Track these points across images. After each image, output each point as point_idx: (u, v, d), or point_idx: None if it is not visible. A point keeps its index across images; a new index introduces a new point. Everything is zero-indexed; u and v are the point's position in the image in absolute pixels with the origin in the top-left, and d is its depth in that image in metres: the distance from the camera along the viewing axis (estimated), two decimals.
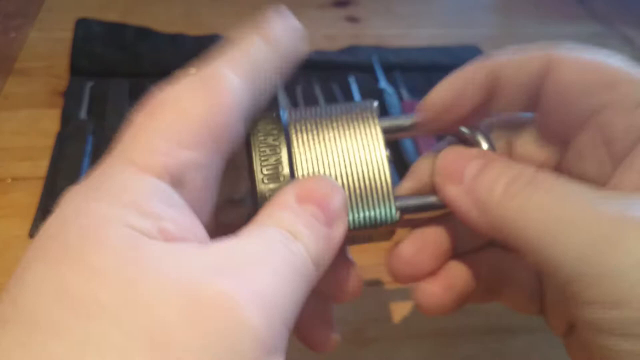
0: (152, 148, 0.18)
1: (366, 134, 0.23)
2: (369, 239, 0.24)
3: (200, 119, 0.19)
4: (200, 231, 0.18)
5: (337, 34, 0.62)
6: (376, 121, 0.23)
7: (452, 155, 0.23)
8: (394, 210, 0.22)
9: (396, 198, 0.22)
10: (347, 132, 0.23)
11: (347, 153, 0.22)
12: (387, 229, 0.23)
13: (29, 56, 0.55)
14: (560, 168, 0.24)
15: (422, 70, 0.56)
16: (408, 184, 0.25)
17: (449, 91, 0.23)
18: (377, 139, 0.23)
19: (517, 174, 0.20)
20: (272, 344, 0.16)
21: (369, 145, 0.22)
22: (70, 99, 0.49)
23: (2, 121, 0.46)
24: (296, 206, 0.20)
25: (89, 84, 0.51)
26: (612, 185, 0.21)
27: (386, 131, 0.23)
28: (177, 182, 0.18)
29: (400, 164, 0.45)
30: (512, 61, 0.24)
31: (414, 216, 0.24)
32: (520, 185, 0.20)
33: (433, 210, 0.24)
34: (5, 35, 0.57)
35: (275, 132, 0.22)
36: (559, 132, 0.24)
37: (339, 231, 0.20)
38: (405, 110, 0.50)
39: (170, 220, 0.17)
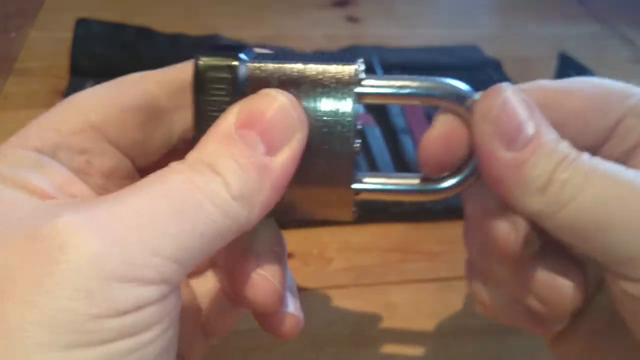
0: (35, 133, 0.20)
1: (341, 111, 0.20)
2: (324, 204, 0.21)
3: (82, 114, 0.21)
4: (88, 192, 0.19)
5: (337, 34, 0.62)
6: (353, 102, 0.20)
7: (508, 105, 0.20)
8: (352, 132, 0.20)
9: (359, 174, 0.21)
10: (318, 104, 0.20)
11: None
12: (344, 186, 0.21)
13: (29, 56, 0.55)
14: None
15: (422, 70, 0.56)
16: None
17: (437, 146, 0.21)
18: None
19: (566, 155, 0.19)
20: (127, 272, 0.15)
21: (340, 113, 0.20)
22: None
23: (2, 121, 0.46)
24: (229, 135, 0.18)
25: (89, 84, 0.50)
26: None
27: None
28: (52, 156, 0.19)
29: (399, 164, 0.45)
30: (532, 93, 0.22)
31: (371, 196, 0.21)
32: (570, 170, 0.19)
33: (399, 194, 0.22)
34: (5, 35, 0.57)
35: (226, 85, 0.20)
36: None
37: (282, 158, 0.18)
38: (405, 110, 0.50)
39: (46, 182, 0.18)
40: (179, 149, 0.22)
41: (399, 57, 0.57)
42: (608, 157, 0.20)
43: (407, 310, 0.35)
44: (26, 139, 0.19)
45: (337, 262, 0.37)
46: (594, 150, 0.22)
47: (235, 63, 0.20)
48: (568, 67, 0.57)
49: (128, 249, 0.15)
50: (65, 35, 0.56)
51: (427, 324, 0.29)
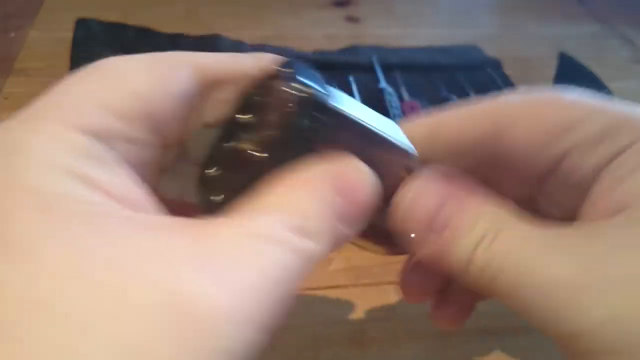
0: (77, 109, 0.16)
1: None
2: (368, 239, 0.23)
3: (138, 96, 0.17)
4: (149, 198, 0.17)
5: (337, 34, 0.62)
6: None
7: (417, 197, 0.21)
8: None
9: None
10: None
11: None
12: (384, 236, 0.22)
13: (29, 56, 0.55)
14: (534, 202, 0.24)
15: (422, 70, 0.56)
16: None
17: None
18: None
19: (482, 237, 0.20)
20: (242, 355, 0.14)
21: None
22: None
23: (2, 121, 0.46)
24: (322, 195, 0.18)
25: None
26: (580, 217, 0.21)
27: None
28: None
29: None
30: (453, 126, 0.22)
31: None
32: (486, 255, 0.20)
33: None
34: (5, 35, 0.57)
35: (310, 121, 0.19)
36: (521, 185, 0.23)
37: (354, 231, 0.19)
38: (405, 110, 0.50)
39: (113, 184, 0.16)
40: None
41: (399, 57, 0.57)
42: (555, 189, 0.22)
43: (407, 310, 0.35)
44: (75, 116, 0.16)
45: (337, 262, 0.37)
46: (540, 182, 0.23)
47: (332, 107, 0.19)
48: (568, 67, 0.57)
49: (249, 334, 0.14)
50: (65, 35, 0.56)
51: (427, 324, 0.29)
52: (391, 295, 0.35)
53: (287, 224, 0.16)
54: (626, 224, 0.19)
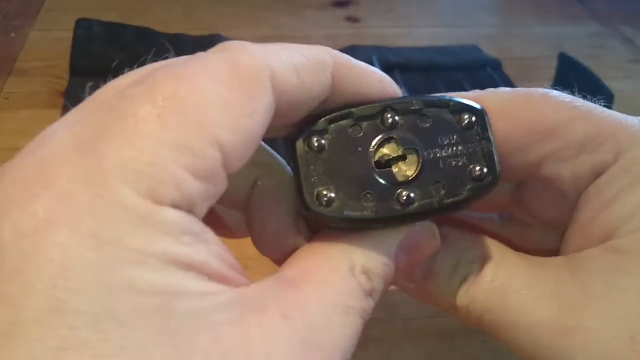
0: (163, 174, 0.13)
1: None
2: None
3: (219, 146, 0.14)
4: (235, 264, 0.16)
5: (337, 34, 0.62)
6: None
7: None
8: None
9: None
10: None
11: None
12: None
13: (29, 56, 0.55)
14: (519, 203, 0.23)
15: (422, 70, 0.55)
16: None
17: None
18: None
19: (464, 278, 0.20)
20: None
21: None
22: (70, 99, 0.49)
23: (2, 121, 0.46)
24: (391, 252, 0.18)
25: (89, 84, 0.50)
26: (568, 246, 0.21)
27: None
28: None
29: None
30: None
31: None
32: (468, 297, 0.20)
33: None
34: (5, 35, 0.57)
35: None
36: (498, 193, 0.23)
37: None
38: None
39: (209, 263, 0.14)
40: None
41: (399, 57, 0.57)
42: (534, 195, 0.22)
43: (407, 310, 0.35)
44: (152, 181, 0.13)
45: None
46: (520, 185, 0.22)
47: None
48: (568, 67, 0.57)
49: None
50: (65, 35, 0.56)
51: (427, 324, 0.29)
52: (391, 295, 0.35)
53: (359, 284, 0.17)
54: (610, 260, 0.18)
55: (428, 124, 0.18)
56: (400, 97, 0.19)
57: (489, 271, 0.20)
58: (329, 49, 0.18)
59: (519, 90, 0.21)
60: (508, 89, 0.21)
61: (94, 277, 0.12)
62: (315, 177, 0.17)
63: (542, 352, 0.18)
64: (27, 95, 0.50)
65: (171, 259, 0.13)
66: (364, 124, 0.18)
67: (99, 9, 0.60)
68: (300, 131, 0.18)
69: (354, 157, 0.18)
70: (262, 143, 0.21)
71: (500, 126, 0.19)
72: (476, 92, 0.21)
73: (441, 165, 0.18)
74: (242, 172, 0.18)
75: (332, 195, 0.17)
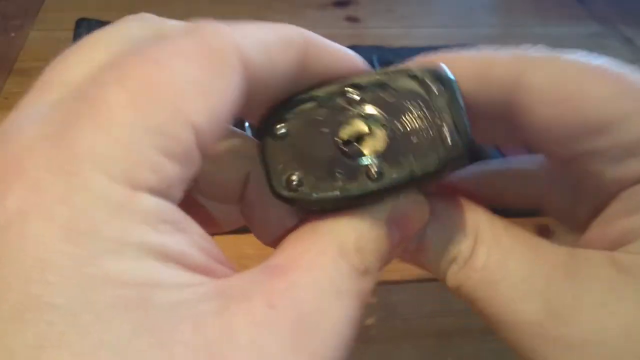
0: (139, 158, 0.13)
1: None
2: None
3: (193, 128, 0.14)
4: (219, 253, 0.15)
5: (337, 34, 0.62)
6: None
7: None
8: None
9: None
10: None
11: None
12: None
13: (29, 56, 0.55)
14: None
15: None
16: None
17: None
18: None
19: (454, 258, 0.19)
20: None
21: None
22: None
23: (2, 121, 0.46)
24: (384, 230, 0.17)
25: None
26: (583, 240, 0.19)
27: None
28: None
29: None
30: (471, 77, 0.20)
31: None
32: (460, 277, 0.19)
33: None
34: (5, 35, 0.57)
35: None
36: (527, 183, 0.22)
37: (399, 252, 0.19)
38: None
39: (190, 254, 0.14)
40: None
41: (399, 57, 0.57)
42: (566, 186, 0.20)
43: (405, 310, 0.35)
44: (129, 168, 0.13)
45: None
46: (555, 164, 0.21)
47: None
48: None
49: None
50: (65, 35, 0.56)
51: (427, 324, 0.29)
52: (390, 295, 0.36)
53: (351, 265, 0.16)
54: (610, 275, 0.17)
55: (394, 96, 0.18)
56: (364, 72, 0.19)
57: (479, 256, 0.19)
58: (301, 29, 0.18)
59: (567, 61, 0.18)
60: (549, 56, 0.19)
61: (69, 270, 0.12)
62: (282, 164, 0.17)
63: (524, 352, 0.18)
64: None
65: (149, 248, 0.13)
66: (327, 104, 0.18)
67: (99, 9, 0.60)
68: (262, 120, 0.18)
69: (320, 139, 0.18)
70: (250, 136, 0.21)
71: (544, 113, 0.18)
72: (505, 55, 0.19)
73: (411, 136, 0.17)
74: (234, 166, 0.18)
75: (301, 178, 0.17)
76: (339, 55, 0.19)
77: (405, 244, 0.19)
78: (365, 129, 0.18)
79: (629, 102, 0.17)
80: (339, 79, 0.18)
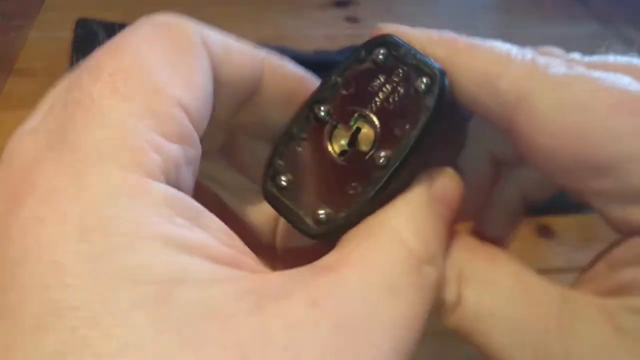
0: (132, 141, 0.13)
1: None
2: None
3: (182, 107, 0.14)
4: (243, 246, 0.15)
5: (337, 34, 0.62)
6: None
7: None
8: None
9: None
10: None
11: None
12: None
13: (29, 56, 0.55)
14: None
15: None
16: None
17: None
18: None
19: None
20: None
21: None
22: None
23: (2, 121, 0.46)
24: (435, 210, 0.16)
25: None
26: (583, 275, 0.18)
27: None
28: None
29: None
30: (475, 82, 0.18)
31: None
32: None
33: None
34: (5, 35, 0.57)
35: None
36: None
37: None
38: None
39: (211, 244, 0.13)
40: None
41: None
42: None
43: None
44: (136, 154, 0.13)
45: None
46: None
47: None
48: None
49: None
50: (65, 35, 0.56)
51: (427, 324, 0.29)
52: None
53: (414, 252, 0.15)
54: (609, 339, 0.15)
55: (352, 86, 0.18)
56: (318, 86, 0.18)
57: (468, 302, 0.17)
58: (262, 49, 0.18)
59: (582, 86, 0.16)
60: (565, 77, 0.16)
61: (86, 270, 0.11)
62: (301, 209, 0.17)
63: None
64: (27, 95, 0.50)
65: (168, 240, 0.12)
66: (305, 133, 0.18)
67: (99, 9, 0.60)
68: (263, 179, 0.18)
69: (320, 167, 0.17)
70: None
71: (545, 142, 0.16)
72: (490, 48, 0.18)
73: (390, 107, 0.17)
74: (262, 216, 0.19)
75: (325, 210, 0.17)
76: (296, 75, 0.19)
77: (456, 220, 0.17)
78: (348, 132, 0.17)
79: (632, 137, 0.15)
80: (302, 104, 0.18)
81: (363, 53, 0.18)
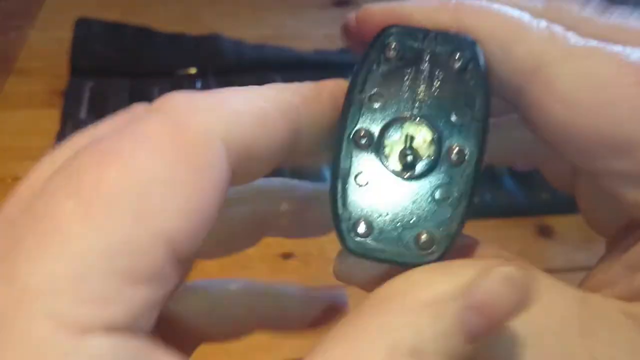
0: (93, 290, 0.11)
1: None
2: None
3: (170, 228, 0.12)
4: None
5: (337, 34, 0.61)
6: None
7: None
8: None
9: None
10: None
11: None
12: None
13: (29, 56, 0.55)
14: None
15: None
16: None
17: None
18: None
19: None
20: None
21: None
22: (70, 99, 0.49)
23: (2, 121, 0.46)
24: (452, 321, 0.12)
25: (89, 84, 0.51)
26: (598, 275, 0.17)
27: None
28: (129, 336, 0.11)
29: None
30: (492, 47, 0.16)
31: None
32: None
33: None
34: (5, 35, 0.57)
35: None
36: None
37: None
38: None
39: None
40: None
41: None
42: (588, 196, 0.18)
43: None
44: (80, 305, 0.11)
45: None
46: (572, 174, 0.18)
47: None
48: None
49: None
50: (65, 35, 0.56)
51: None
52: None
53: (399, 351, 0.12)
54: (633, 337, 0.14)
55: (381, 95, 0.16)
56: (342, 113, 0.16)
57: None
58: (296, 87, 0.16)
59: (607, 56, 0.15)
60: (590, 47, 0.15)
61: None
62: (399, 245, 0.15)
63: None
64: (27, 95, 0.50)
65: None
66: (357, 167, 0.16)
67: (99, 9, 0.60)
68: (339, 239, 0.15)
69: (392, 194, 0.15)
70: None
71: (560, 115, 0.15)
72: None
73: (435, 99, 0.15)
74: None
75: (427, 231, 0.15)
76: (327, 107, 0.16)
77: (489, 335, 0.13)
78: (401, 145, 0.15)
79: None
80: (336, 140, 0.16)
81: (373, 57, 0.16)
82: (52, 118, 0.47)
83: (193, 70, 0.52)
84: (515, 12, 0.16)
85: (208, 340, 0.18)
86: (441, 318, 0.12)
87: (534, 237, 0.42)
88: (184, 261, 0.12)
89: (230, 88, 0.14)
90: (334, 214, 0.15)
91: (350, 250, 0.15)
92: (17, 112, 0.47)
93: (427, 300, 0.13)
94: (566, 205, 0.40)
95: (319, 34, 0.61)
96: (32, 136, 0.45)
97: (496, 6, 0.16)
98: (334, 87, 0.16)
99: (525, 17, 0.16)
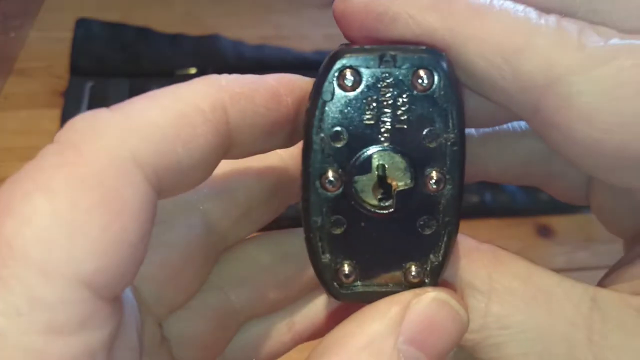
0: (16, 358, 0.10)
1: None
2: None
3: (86, 271, 0.11)
4: None
5: (337, 34, 0.61)
6: None
7: None
8: None
9: None
10: None
11: None
12: None
13: (29, 56, 0.55)
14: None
15: None
16: None
17: None
18: None
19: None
20: None
21: None
22: (70, 99, 0.49)
23: (2, 121, 0.46)
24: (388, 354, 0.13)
25: (89, 84, 0.51)
26: (614, 276, 0.16)
27: None
28: None
29: None
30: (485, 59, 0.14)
31: None
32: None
33: None
34: (5, 35, 0.57)
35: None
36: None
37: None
38: None
39: None
40: None
41: None
42: (603, 200, 0.17)
43: None
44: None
45: None
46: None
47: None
48: None
49: None
50: (65, 35, 0.56)
51: None
52: None
53: None
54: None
55: (344, 132, 0.14)
56: (304, 158, 0.14)
57: (493, 312, 0.14)
58: (225, 82, 0.14)
59: (629, 67, 0.12)
60: (612, 51, 0.12)
61: None
62: (386, 284, 0.15)
63: None
64: (27, 95, 0.50)
65: None
66: (329, 212, 0.14)
67: (99, 9, 0.60)
68: (325, 288, 0.15)
69: (372, 231, 0.15)
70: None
71: (583, 134, 0.13)
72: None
73: (405, 124, 0.14)
74: None
75: (414, 264, 0.15)
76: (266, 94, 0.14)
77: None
78: (373, 180, 0.14)
79: None
80: (302, 188, 0.14)
81: (326, 89, 0.14)
82: (52, 118, 0.47)
83: (193, 71, 0.52)
84: (519, 10, 0.13)
85: None
86: (381, 355, 0.12)
87: (534, 237, 0.42)
88: (116, 297, 0.11)
89: (145, 94, 0.13)
90: (315, 267, 0.15)
91: (338, 299, 0.15)
92: (17, 113, 0.47)
93: (362, 344, 0.13)
94: (566, 205, 0.40)
95: (318, 34, 0.61)
96: (32, 136, 0.45)
97: (497, 3, 0.13)
98: (277, 81, 0.15)
99: (532, 14, 0.13)
